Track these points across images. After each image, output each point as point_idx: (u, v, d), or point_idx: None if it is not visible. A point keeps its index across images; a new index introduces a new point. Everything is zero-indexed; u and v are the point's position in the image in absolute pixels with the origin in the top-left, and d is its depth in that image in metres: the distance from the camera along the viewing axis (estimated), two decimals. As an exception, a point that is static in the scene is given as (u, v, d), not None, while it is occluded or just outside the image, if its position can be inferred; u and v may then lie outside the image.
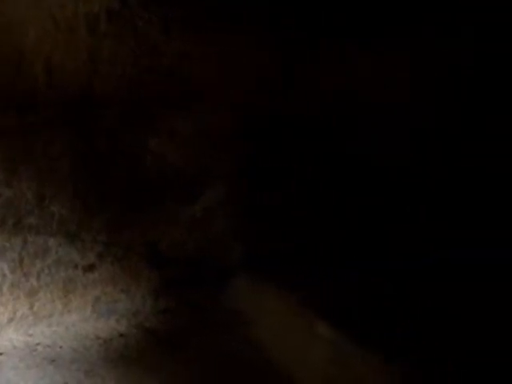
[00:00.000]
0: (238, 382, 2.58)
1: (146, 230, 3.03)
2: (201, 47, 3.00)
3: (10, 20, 2.66)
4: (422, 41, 3.17)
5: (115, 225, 2.98)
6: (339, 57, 3.17)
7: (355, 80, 3.19)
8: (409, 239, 3.10)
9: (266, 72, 3.12)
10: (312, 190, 3.21)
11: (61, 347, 2.79)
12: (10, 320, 2.85)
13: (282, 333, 2.68)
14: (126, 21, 2.83)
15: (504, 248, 2.87)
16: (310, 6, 3.08)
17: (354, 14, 3.11)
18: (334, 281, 2.77)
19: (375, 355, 2.15)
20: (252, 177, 3.13)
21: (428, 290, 2.68)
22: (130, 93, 2.89)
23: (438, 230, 3.14)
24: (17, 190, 2.78)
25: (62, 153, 2.84)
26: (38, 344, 2.80)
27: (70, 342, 2.83)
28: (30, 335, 2.85)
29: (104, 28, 2.80)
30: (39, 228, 2.85)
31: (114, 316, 3.00)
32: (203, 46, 3.00)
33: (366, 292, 2.67)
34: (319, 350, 2.38)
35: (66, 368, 2.62)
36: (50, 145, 2.81)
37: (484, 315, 2.41)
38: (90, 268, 2.96)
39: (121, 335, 2.90)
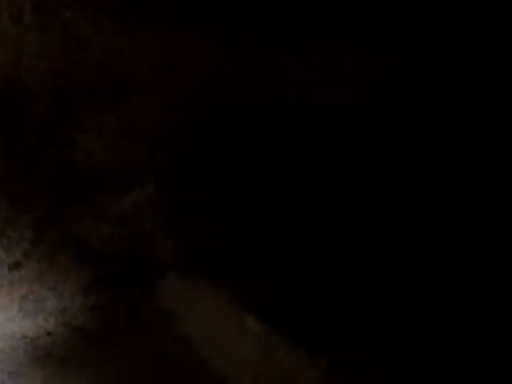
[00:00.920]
0: (168, 379, 2.55)
1: (74, 226, 2.98)
2: (132, 41, 2.95)
3: None
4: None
5: (43, 221, 2.92)
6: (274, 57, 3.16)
7: (288, 79, 3.18)
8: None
9: (199, 69, 3.10)
10: (248, 187, 3.20)
11: (-14, 347, 2.72)
12: None
13: (212, 329, 2.66)
14: (52, 12, 2.77)
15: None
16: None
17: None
18: (264, 277, 2.77)
19: (302, 349, 2.15)
20: (183, 173, 3.10)
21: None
22: (56, 86, 2.83)
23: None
24: None
25: (-13, 147, 2.77)
26: (-39, 344, 2.73)
27: (-4, 341, 2.77)
28: (-47, 335, 2.78)
29: (29, 19, 2.73)
30: (-37, 225, 2.78)
31: (42, 314, 2.94)
32: (135, 41, 2.96)
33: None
34: (248, 345, 2.38)
35: (-10, 369, 2.57)
36: (-26, 139, 2.75)
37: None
38: (16, 265, 2.89)
39: (48, 334, 2.85)
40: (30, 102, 2.80)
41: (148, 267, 3.08)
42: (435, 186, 3.23)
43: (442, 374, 2.05)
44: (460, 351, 2.15)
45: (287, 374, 2.18)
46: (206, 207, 3.11)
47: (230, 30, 3.06)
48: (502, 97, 3.14)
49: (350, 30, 3.16)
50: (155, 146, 3.07)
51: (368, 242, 3.10)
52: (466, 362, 2.09)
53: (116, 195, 3.02)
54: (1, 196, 2.83)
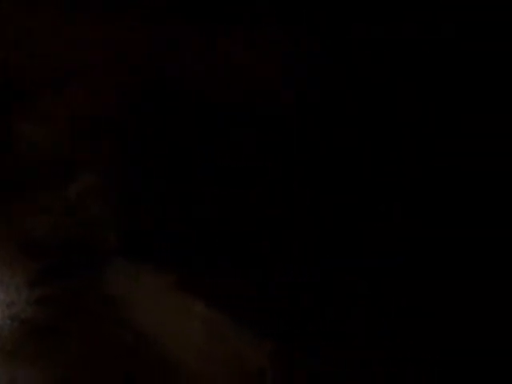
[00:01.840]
0: (118, 367, 2.56)
1: (18, 219, 2.94)
2: (71, 27, 2.92)
3: None
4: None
5: (-14, 215, 2.89)
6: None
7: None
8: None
9: (140, 54, 3.08)
10: (197, 171, 3.19)
11: None
12: None
13: (160, 315, 2.67)
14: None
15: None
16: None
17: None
18: (213, 263, 2.78)
19: (249, 331, 2.18)
20: (129, 161, 3.08)
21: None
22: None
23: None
24: None
25: None
26: None
27: None
28: None
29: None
30: None
31: (-12, 309, 2.91)
32: (74, 26, 2.93)
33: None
34: (196, 329, 2.40)
35: None
36: None
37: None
38: (-41, 260, 2.85)
39: (-5, 328, 2.82)
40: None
41: (95, 256, 3.06)
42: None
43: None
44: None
45: (235, 356, 2.21)
46: (152, 194, 3.10)
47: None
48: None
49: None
50: (100, 134, 3.04)
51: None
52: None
53: (60, 185, 3.00)
54: None
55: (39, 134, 2.94)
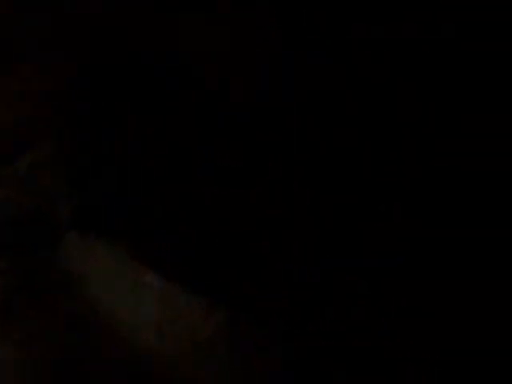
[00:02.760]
0: (73, 342, 2.52)
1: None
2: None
3: None
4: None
5: None
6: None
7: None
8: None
9: (100, 28, 3.01)
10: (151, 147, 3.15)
11: None
12: None
13: (114, 288, 2.63)
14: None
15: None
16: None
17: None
18: (166, 234, 2.74)
19: (202, 301, 2.16)
20: (82, 133, 3.03)
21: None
22: None
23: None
24: None
25: None
26: None
27: None
28: None
29: None
30: None
31: None
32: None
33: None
34: (150, 300, 2.36)
35: None
36: None
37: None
38: None
39: None
40: None
41: (48, 230, 3.01)
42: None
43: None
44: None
45: (188, 324, 2.18)
46: (106, 166, 3.05)
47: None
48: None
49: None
50: (53, 106, 2.99)
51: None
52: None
53: (10, 157, 2.94)
54: None
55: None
